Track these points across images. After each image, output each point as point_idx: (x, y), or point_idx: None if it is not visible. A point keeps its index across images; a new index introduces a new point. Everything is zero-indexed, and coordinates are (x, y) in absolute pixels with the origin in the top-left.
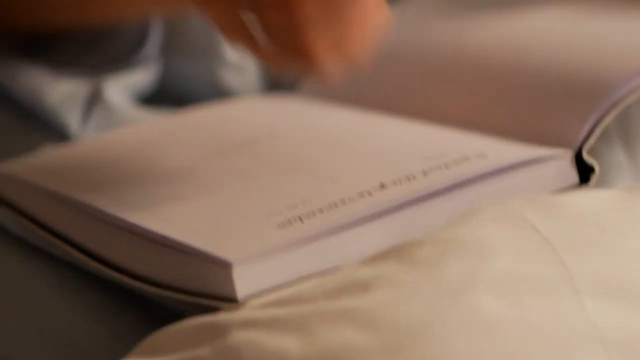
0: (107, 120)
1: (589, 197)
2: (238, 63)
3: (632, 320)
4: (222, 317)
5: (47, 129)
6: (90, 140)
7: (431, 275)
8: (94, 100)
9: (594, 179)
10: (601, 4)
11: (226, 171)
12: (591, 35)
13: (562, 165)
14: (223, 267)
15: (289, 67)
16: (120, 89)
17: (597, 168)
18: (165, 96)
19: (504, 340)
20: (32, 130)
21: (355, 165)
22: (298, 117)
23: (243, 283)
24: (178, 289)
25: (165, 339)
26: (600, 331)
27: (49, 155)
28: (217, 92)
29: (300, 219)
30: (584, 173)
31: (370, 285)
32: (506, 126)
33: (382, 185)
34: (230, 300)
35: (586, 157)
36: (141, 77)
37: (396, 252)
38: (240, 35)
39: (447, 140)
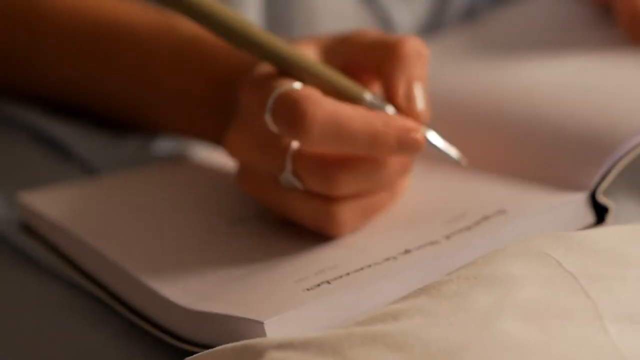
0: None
1: (607, 232)
2: None
3: None
4: (258, 340)
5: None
6: (114, 177)
7: (460, 305)
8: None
9: (609, 218)
10: (615, 55)
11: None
12: (605, 87)
13: (579, 206)
14: (255, 325)
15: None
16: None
17: (611, 207)
18: None
19: None
20: (56, 160)
21: (381, 233)
22: None
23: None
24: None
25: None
26: (623, 355)
27: (78, 190)
28: None
29: (328, 282)
30: (600, 214)
31: (401, 314)
32: (528, 171)
33: (407, 251)
34: None
35: (601, 198)
36: None
37: (425, 290)
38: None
39: (468, 198)
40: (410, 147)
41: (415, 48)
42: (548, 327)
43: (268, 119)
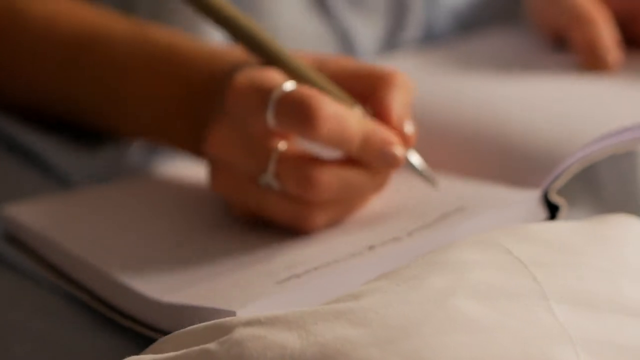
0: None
1: (554, 225)
2: None
3: (596, 323)
4: (228, 319)
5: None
6: (93, 189)
7: (417, 286)
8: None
9: (560, 215)
10: (568, 77)
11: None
12: (560, 104)
13: (532, 204)
14: (228, 315)
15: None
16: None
17: (563, 205)
18: None
19: (481, 336)
20: (33, 171)
21: (347, 231)
22: None
23: None
24: None
25: (175, 339)
26: (567, 331)
27: (59, 202)
28: None
29: (298, 276)
30: (553, 212)
31: (362, 294)
32: (487, 174)
33: (371, 247)
34: None
35: (553, 196)
36: None
37: (385, 275)
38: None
39: (429, 198)
40: (390, 159)
41: (406, 81)
42: (498, 306)
43: (270, 117)
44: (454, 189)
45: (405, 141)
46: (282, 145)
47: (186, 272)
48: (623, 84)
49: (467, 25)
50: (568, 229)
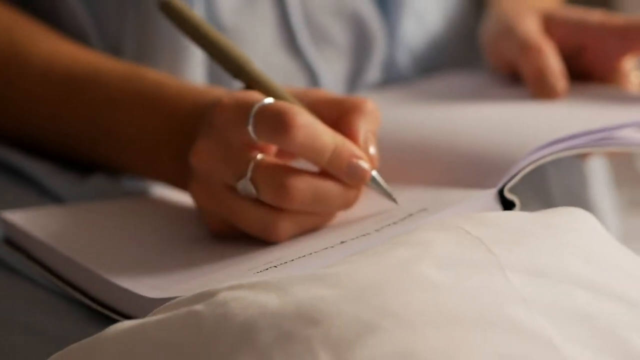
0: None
1: (509, 213)
2: None
3: (547, 289)
4: (212, 287)
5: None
6: (86, 204)
7: (384, 256)
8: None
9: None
10: (520, 103)
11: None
12: (512, 121)
13: (489, 200)
14: None
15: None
16: None
17: (517, 202)
18: None
19: (441, 295)
20: (31, 194)
21: (321, 231)
22: None
23: None
24: None
25: (164, 309)
26: (521, 293)
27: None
28: None
29: (275, 266)
30: (507, 209)
31: (334, 266)
32: (450, 181)
33: (342, 242)
34: None
35: (507, 194)
36: None
37: (355, 253)
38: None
39: (394, 206)
40: (357, 171)
41: (374, 108)
42: (458, 273)
43: (250, 128)
44: (417, 194)
45: (370, 161)
46: (260, 155)
47: (173, 273)
48: (566, 105)
49: (427, 69)
50: (520, 215)
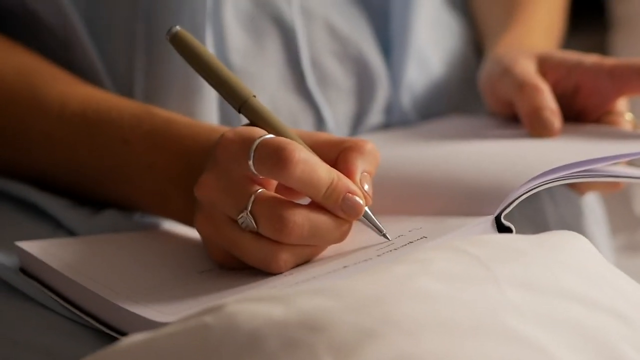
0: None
1: (505, 235)
2: None
3: (539, 302)
4: (219, 302)
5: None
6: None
7: (384, 272)
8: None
9: None
10: (517, 140)
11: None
12: (509, 155)
13: (486, 227)
14: None
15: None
16: None
17: (513, 228)
18: None
19: (439, 305)
20: (47, 228)
21: (324, 258)
22: None
23: None
24: None
25: (172, 323)
26: (515, 304)
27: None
28: None
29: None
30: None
31: (337, 281)
32: (449, 211)
33: (345, 267)
34: None
35: (504, 220)
36: None
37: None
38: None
39: (398, 231)
40: (352, 205)
41: (373, 149)
42: (455, 286)
43: (251, 163)
44: (417, 223)
45: (365, 198)
46: (260, 189)
47: (180, 301)
48: (561, 141)
49: (428, 113)
50: (516, 237)
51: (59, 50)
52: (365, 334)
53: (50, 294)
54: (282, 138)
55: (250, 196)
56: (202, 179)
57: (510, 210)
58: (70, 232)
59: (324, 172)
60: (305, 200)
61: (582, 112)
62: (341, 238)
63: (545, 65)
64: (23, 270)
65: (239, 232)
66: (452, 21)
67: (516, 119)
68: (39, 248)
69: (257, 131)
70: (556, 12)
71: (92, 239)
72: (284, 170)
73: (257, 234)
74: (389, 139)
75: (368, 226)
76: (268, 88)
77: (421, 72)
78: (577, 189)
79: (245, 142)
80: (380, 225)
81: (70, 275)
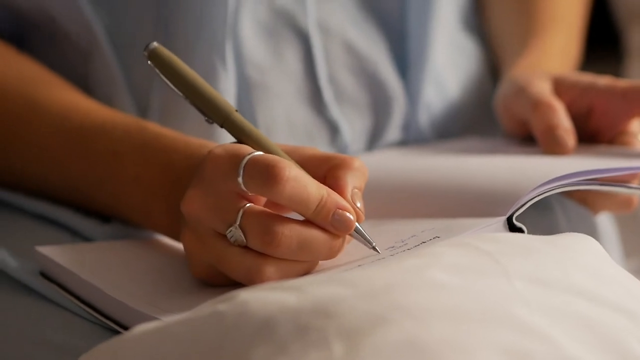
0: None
1: (517, 234)
2: None
3: (549, 296)
4: (233, 291)
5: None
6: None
7: (397, 263)
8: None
9: None
10: (530, 155)
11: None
12: (521, 166)
13: (498, 227)
14: None
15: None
16: None
17: (524, 229)
18: None
19: (450, 295)
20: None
21: (339, 260)
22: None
23: None
24: None
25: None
26: (525, 298)
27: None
28: None
29: None
30: None
31: (350, 270)
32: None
33: (360, 265)
34: None
35: (515, 222)
36: None
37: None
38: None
39: (409, 234)
40: (343, 220)
41: (361, 165)
42: (465, 278)
43: (240, 180)
44: (430, 224)
45: (357, 214)
46: (248, 204)
47: (192, 302)
48: (574, 157)
49: (445, 133)
50: (528, 236)
51: (79, 61)
52: (375, 320)
53: (69, 297)
54: (272, 155)
55: (239, 210)
56: (189, 194)
57: (523, 225)
58: (86, 240)
59: (313, 189)
60: (298, 216)
61: (595, 132)
62: (332, 254)
63: (560, 86)
64: (43, 274)
65: (225, 246)
66: (469, 44)
67: (531, 139)
68: (59, 252)
69: (246, 148)
70: (572, 38)
71: (110, 244)
72: (274, 187)
73: (244, 248)
74: (405, 152)
75: (359, 240)
76: (284, 101)
77: (438, 93)
78: (591, 206)
79: (234, 159)
80: (371, 239)
81: (89, 280)
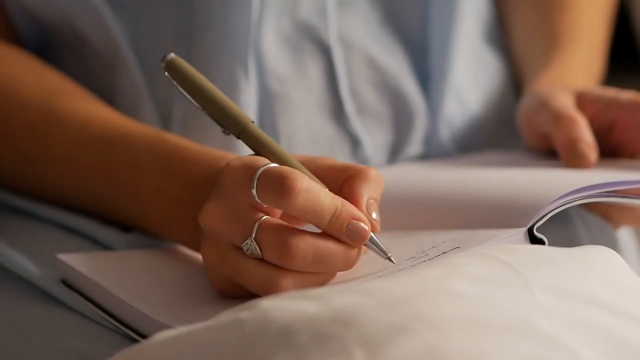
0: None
1: (538, 246)
2: None
3: (571, 307)
4: (254, 300)
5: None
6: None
7: (417, 273)
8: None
9: None
10: (552, 169)
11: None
12: (542, 179)
13: (519, 239)
14: None
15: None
16: None
17: (545, 240)
18: None
19: (471, 305)
20: (85, 246)
21: (358, 271)
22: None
23: None
24: None
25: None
26: (546, 309)
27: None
28: None
29: None
30: None
31: (370, 281)
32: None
33: (379, 277)
34: None
35: (536, 233)
36: None
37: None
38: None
39: (430, 245)
40: (358, 231)
41: (378, 175)
42: (486, 288)
43: (254, 192)
44: (451, 235)
45: (372, 225)
46: (264, 216)
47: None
48: (596, 171)
49: (466, 148)
50: (549, 248)
51: (103, 72)
52: (396, 329)
53: (90, 305)
54: (285, 167)
55: (255, 223)
56: (207, 207)
57: (544, 239)
58: (106, 249)
59: (327, 199)
60: (314, 228)
61: (617, 147)
62: (348, 265)
63: (582, 100)
64: (64, 282)
65: (242, 258)
66: (491, 58)
67: (553, 154)
68: (80, 260)
69: (262, 160)
70: (595, 52)
71: (131, 253)
72: (287, 199)
73: (261, 260)
74: (426, 167)
75: (374, 250)
76: (305, 114)
77: (459, 107)
78: (612, 220)
79: (249, 171)
80: (385, 249)
81: (110, 288)
